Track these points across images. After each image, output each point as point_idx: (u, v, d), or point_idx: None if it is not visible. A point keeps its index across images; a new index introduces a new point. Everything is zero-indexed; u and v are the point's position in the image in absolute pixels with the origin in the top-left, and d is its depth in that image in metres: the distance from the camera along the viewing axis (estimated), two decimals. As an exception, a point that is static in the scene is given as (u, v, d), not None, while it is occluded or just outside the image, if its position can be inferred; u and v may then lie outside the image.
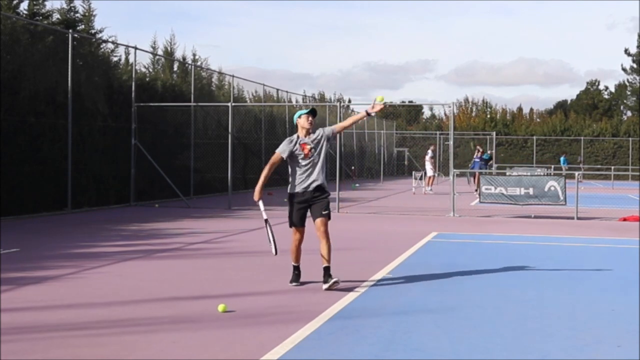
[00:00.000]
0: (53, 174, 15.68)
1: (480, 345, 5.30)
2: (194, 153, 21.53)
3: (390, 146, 43.65)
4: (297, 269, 7.68)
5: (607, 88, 66.04)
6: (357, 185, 30.15)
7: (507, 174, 23.55)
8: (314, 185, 7.41)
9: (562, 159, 40.19)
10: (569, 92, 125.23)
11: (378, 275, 8.21)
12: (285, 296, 7.03)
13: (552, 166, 38.63)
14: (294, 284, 7.59)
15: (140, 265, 8.94)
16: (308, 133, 7.50)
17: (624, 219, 15.86)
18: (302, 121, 7.49)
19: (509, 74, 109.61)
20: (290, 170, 7.50)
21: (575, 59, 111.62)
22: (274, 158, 7.45)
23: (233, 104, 18.85)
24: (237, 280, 7.85)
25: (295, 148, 7.40)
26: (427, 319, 6.10)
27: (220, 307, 6.23)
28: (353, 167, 36.52)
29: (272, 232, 7.53)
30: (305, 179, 7.41)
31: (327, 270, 7.34)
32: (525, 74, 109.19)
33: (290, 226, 7.58)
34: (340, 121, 18.01)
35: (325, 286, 7.26)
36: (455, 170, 17.41)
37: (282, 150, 7.41)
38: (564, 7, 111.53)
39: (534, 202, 16.65)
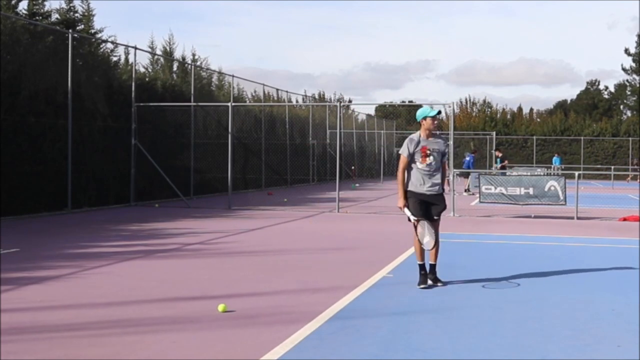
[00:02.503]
0: (53, 174, 15.68)
1: (480, 345, 5.30)
2: (194, 153, 21.52)
3: (390, 146, 43.62)
4: (422, 268, 7.58)
5: (607, 88, 66.18)
6: (357, 185, 30.15)
7: (507, 173, 23.55)
8: (431, 190, 7.51)
9: (556, 158, 40.10)
10: (570, 92, 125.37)
11: (378, 275, 8.21)
12: (285, 296, 7.03)
13: (552, 166, 38.63)
14: (421, 286, 7.45)
15: (140, 265, 8.93)
16: (430, 135, 7.56)
17: (624, 219, 15.86)
18: (428, 123, 7.54)
19: (510, 74, 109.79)
20: (408, 169, 7.58)
21: (576, 59, 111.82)
22: (403, 163, 7.56)
23: (233, 104, 18.84)
24: (237, 280, 7.85)
25: (416, 149, 7.52)
26: (427, 319, 6.10)
27: (220, 307, 6.24)
28: (353, 167, 36.51)
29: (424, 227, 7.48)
30: (423, 182, 7.52)
31: (432, 267, 7.56)
32: (526, 74, 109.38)
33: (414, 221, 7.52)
34: (341, 121, 18.03)
35: (428, 283, 7.48)
36: (455, 170, 17.41)
37: (403, 151, 7.56)
38: (565, 7, 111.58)
39: (534, 202, 16.65)
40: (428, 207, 7.55)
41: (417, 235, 7.45)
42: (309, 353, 5.00)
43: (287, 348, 5.10)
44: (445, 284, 7.62)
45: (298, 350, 5.06)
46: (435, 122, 7.56)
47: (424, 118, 7.57)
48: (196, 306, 6.49)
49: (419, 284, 7.48)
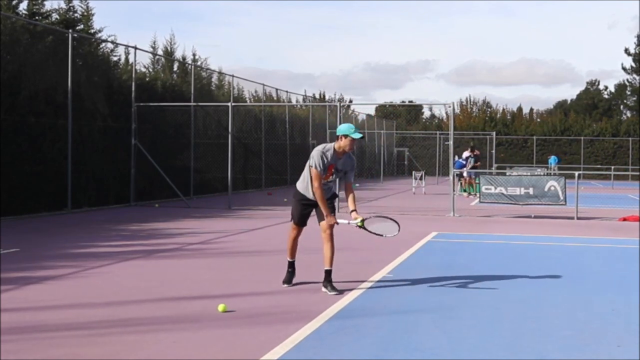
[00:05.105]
0: (53, 174, 15.68)
1: (480, 345, 5.30)
2: (194, 153, 21.53)
3: (390, 146, 43.63)
4: (290, 265, 7.62)
5: (607, 88, 66.26)
6: (356, 185, 30.15)
7: (507, 174, 23.54)
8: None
9: (552, 158, 39.95)
10: (570, 92, 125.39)
11: (378, 275, 8.21)
12: (285, 296, 7.03)
13: (551, 166, 38.62)
14: (286, 285, 7.52)
15: (140, 265, 8.94)
16: (342, 153, 7.27)
17: (624, 219, 15.86)
18: (346, 143, 7.16)
19: (510, 74, 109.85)
20: (306, 170, 7.37)
21: (576, 59, 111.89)
22: (318, 178, 7.16)
23: (233, 104, 18.83)
24: (237, 280, 7.85)
25: (326, 164, 7.20)
26: (426, 319, 6.10)
27: (220, 307, 6.24)
28: (353, 167, 36.42)
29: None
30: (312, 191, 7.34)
31: (328, 273, 7.29)
32: (526, 74, 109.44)
33: (292, 221, 7.59)
34: (341, 122, 18.02)
35: (323, 289, 7.24)
36: (455, 170, 17.42)
37: (317, 165, 7.16)
38: (565, 7, 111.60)
39: (534, 202, 16.65)
40: (309, 213, 7.47)
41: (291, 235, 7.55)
42: (309, 353, 5.01)
43: (287, 348, 5.10)
44: (341, 292, 7.12)
45: (298, 350, 5.06)
46: (355, 144, 7.26)
47: (345, 136, 7.12)
48: (196, 306, 6.49)
49: (283, 282, 7.53)
